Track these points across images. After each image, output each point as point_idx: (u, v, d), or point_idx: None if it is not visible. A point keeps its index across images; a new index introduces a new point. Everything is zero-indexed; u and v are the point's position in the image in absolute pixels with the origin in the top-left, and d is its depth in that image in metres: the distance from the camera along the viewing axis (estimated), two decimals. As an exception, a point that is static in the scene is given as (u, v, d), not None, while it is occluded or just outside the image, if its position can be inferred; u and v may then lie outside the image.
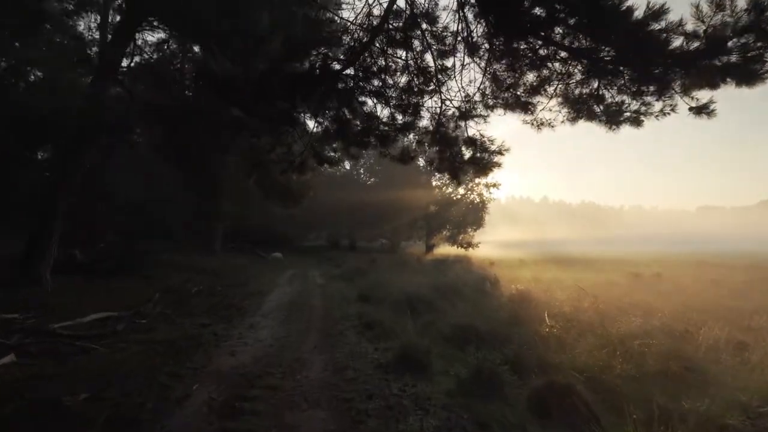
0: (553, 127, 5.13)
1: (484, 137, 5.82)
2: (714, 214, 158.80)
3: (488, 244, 40.68)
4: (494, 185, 33.99)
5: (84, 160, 7.69)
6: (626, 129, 4.56)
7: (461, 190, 34.42)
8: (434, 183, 35.49)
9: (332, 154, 6.74)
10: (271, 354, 5.06)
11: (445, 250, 35.48)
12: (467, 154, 6.02)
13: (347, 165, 41.40)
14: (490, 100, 5.36)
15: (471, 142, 5.81)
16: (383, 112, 6.09)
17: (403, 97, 5.72)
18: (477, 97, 5.43)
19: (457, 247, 34.90)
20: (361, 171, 40.91)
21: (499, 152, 5.89)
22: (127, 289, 9.03)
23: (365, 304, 8.50)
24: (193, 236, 22.97)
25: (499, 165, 6.02)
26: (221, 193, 18.17)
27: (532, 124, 5.27)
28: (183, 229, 23.81)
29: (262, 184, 9.27)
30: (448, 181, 35.15)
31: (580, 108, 4.64)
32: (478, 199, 33.78)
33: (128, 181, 22.28)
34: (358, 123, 5.86)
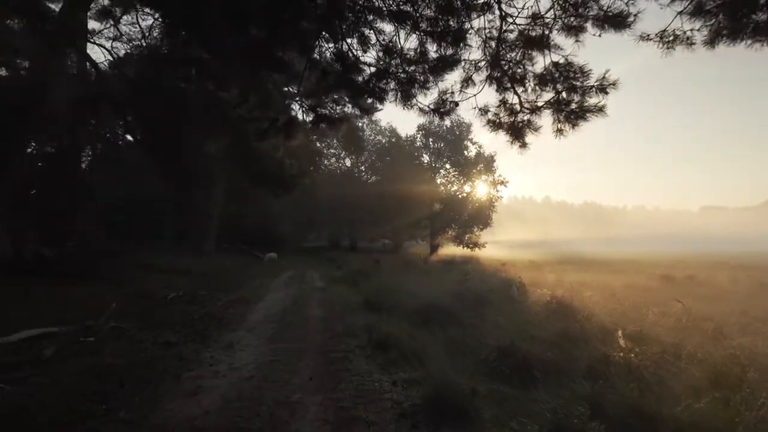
0: (692, 45, 3.54)
1: (572, 66, 3.91)
2: (717, 214, 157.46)
3: (494, 245, 39.15)
4: (502, 182, 32.55)
5: (25, 143, 6.27)
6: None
7: (467, 188, 33.00)
8: (439, 180, 34.00)
9: (333, 108, 5.03)
10: (248, 392, 3.63)
11: (449, 250, 34.03)
12: (546, 94, 4.23)
13: (348, 162, 40.14)
14: (573, 18, 3.71)
15: (551, 76, 4.04)
16: (408, 43, 4.32)
17: (440, 18, 3.96)
18: (556, 11, 3.77)
19: (463, 248, 33.42)
20: (362, 168, 39.46)
21: (602, 89, 3.91)
22: (89, 295, 7.60)
23: (373, 314, 7.07)
24: (183, 236, 21.57)
25: (600, 110, 4.06)
26: (207, 187, 16.72)
27: (662, 40, 3.60)
28: (174, 227, 22.41)
29: (242, 163, 7.72)
30: (453, 178, 33.70)
31: (732, 19, 3.11)
32: (485, 197, 32.23)
33: (116, 176, 20.93)
34: (371, 61, 4.20)
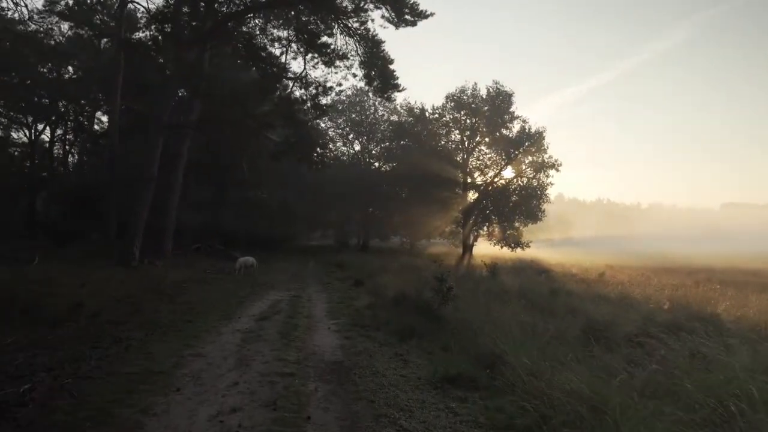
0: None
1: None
2: (740, 212, 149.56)
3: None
4: (554, 165, 25.40)
5: None
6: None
7: (510, 172, 25.75)
8: (473, 163, 26.71)
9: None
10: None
11: (482, 249, 27.12)
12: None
13: (356, 146, 33.24)
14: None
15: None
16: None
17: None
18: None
19: (501, 247, 26.28)
20: (374, 152, 32.49)
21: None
22: None
23: None
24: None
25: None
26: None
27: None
28: (114, 222, 15.64)
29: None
30: (491, 162, 26.59)
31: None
32: (536, 183, 25.09)
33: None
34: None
